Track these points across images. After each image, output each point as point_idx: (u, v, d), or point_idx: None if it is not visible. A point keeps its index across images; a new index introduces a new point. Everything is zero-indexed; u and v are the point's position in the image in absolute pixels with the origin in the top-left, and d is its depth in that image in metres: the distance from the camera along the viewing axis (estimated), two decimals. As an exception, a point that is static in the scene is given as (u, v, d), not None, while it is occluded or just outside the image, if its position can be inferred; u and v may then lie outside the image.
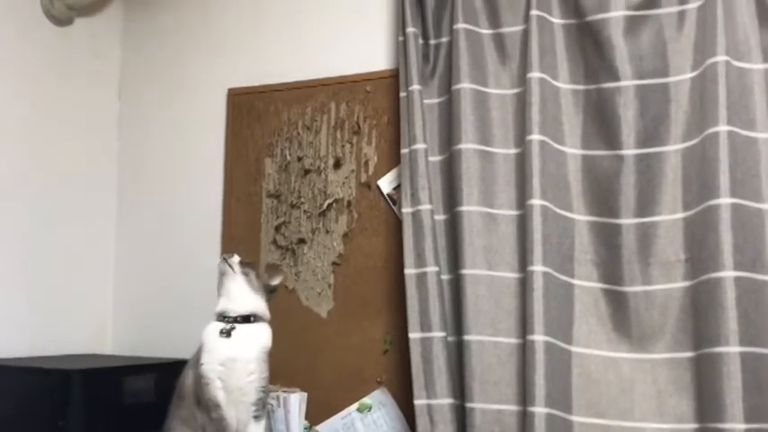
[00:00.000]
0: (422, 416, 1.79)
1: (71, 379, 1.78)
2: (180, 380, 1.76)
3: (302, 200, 2.13)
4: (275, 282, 1.82)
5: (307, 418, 2.00)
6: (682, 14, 1.71)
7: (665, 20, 1.72)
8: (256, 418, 1.69)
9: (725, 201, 1.59)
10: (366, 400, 1.98)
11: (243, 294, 1.73)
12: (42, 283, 2.18)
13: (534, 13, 1.79)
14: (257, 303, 1.75)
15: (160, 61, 2.40)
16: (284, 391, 1.98)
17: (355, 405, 1.99)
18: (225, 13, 2.32)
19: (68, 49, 2.29)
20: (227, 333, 1.68)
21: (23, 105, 2.16)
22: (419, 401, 1.80)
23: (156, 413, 1.81)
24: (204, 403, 1.68)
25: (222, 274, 1.76)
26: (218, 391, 1.66)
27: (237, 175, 2.22)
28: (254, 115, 2.21)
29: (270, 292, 1.79)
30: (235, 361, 1.67)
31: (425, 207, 1.85)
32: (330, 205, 2.09)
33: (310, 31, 2.18)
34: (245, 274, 1.75)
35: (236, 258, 1.77)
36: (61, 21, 2.26)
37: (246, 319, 1.71)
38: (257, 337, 1.71)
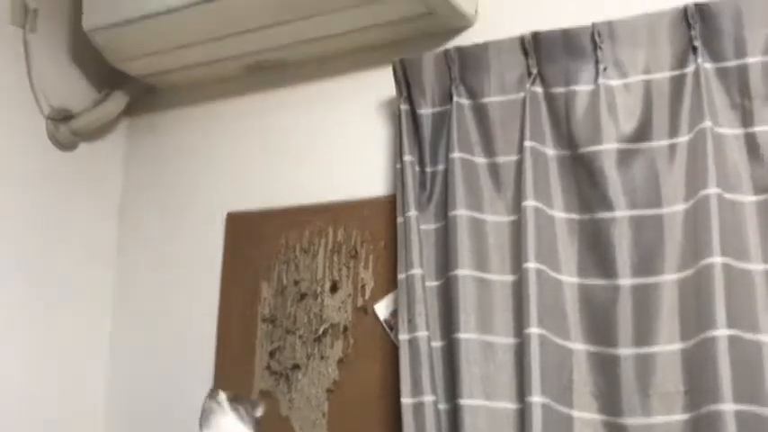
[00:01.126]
0: None
1: None
2: None
3: (297, 325, 2.12)
4: (258, 414, 1.78)
5: None
6: (672, 147, 1.75)
7: (656, 152, 1.76)
8: None
9: (722, 332, 1.58)
10: None
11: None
12: (34, 405, 2.14)
13: (528, 144, 1.83)
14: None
15: (160, 185, 2.44)
16: None
17: None
18: (225, 138, 2.37)
19: (71, 174, 2.33)
20: None
21: (23, 226, 2.18)
22: None
23: None
24: None
25: (209, 413, 1.72)
26: None
27: (233, 299, 2.22)
28: (253, 239, 2.23)
29: (256, 425, 1.75)
30: None
31: (422, 334, 1.84)
32: (326, 330, 2.08)
33: (310, 157, 2.23)
34: (236, 410, 1.72)
35: (222, 396, 1.74)
36: (65, 146, 2.31)
37: None
38: None
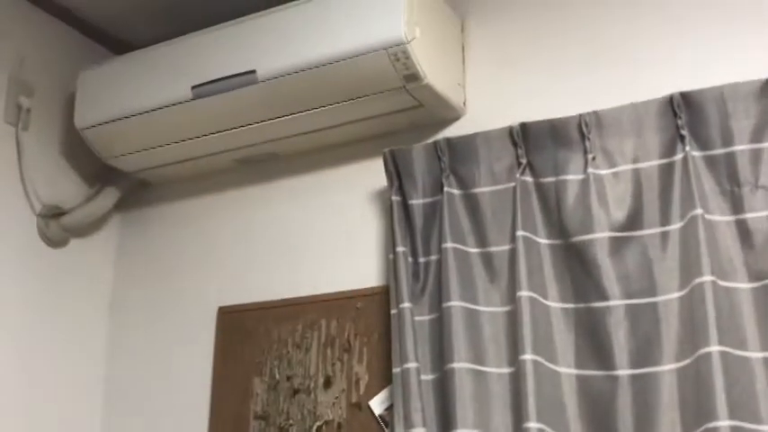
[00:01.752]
0: None
1: None
2: None
3: (291, 422, 2.07)
4: None
5: None
6: (665, 235, 1.75)
7: (648, 240, 1.76)
8: None
9: (723, 423, 1.55)
10: None
11: None
12: None
13: (520, 233, 1.83)
14: None
15: (151, 279, 2.42)
16: None
17: None
18: (217, 231, 2.37)
19: (62, 270, 2.31)
20: None
21: (14, 324, 2.15)
22: None
23: None
24: None
25: None
26: None
27: (225, 396, 2.17)
28: (244, 333, 2.20)
29: None
30: None
31: (419, 430, 1.80)
32: (320, 428, 2.03)
33: (302, 249, 2.22)
34: None
35: None
36: (56, 242, 2.30)
37: None
38: None
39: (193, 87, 2.08)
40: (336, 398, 2.04)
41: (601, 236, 1.77)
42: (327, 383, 2.06)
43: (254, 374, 2.15)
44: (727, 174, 1.72)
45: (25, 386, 2.15)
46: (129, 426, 2.31)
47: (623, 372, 1.70)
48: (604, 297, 1.74)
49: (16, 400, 2.12)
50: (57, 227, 2.29)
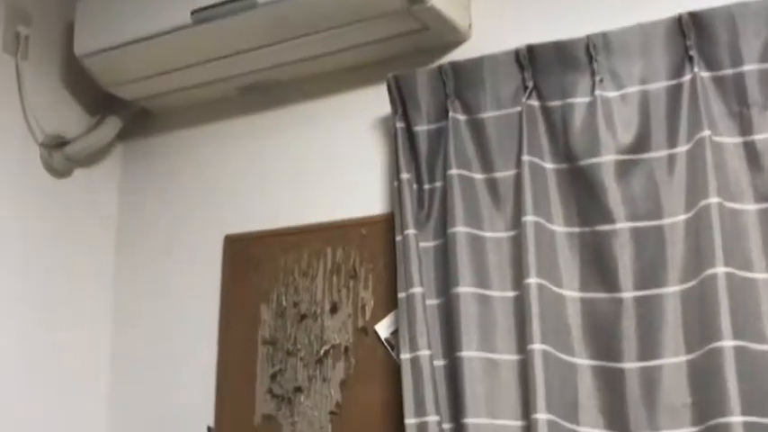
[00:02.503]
0: None
1: None
2: None
3: (298, 346, 2.09)
4: None
5: None
6: (671, 158, 1.73)
7: (655, 163, 1.74)
8: None
9: (727, 343, 1.56)
10: None
11: None
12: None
13: (526, 158, 1.81)
14: None
15: (157, 209, 2.43)
16: None
17: None
18: (221, 160, 2.36)
19: (66, 200, 2.31)
20: None
21: (18, 255, 2.16)
22: None
23: None
24: None
25: None
26: None
27: (233, 323, 2.20)
28: (251, 261, 2.21)
29: None
30: None
31: (424, 353, 1.82)
32: (327, 352, 2.05)
33: (306, 177, 2.21)
34: None
35: None
36: (60, 172, 2.30)
37: None
38: None
39: (193, 12, 2.04)
40: (343, 323, 2.06)
41: (607, 159, 1.75)
42: (334, 309, 2.08)
43: (262, 301, 2.17)
44: (736, 95, 1.69)
45: (31, 316, 2.17)
46: (138, 353, 2.35)
47: (628, 294, 1.70)
48: (610, 220, 1.74)
49: (22, 332, 2.14)
50: (60, 157, 2.28)
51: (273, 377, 2.10)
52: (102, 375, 2.36)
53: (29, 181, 2.22)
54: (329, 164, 2.19)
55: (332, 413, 2.01)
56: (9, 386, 2.10)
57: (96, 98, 2.37)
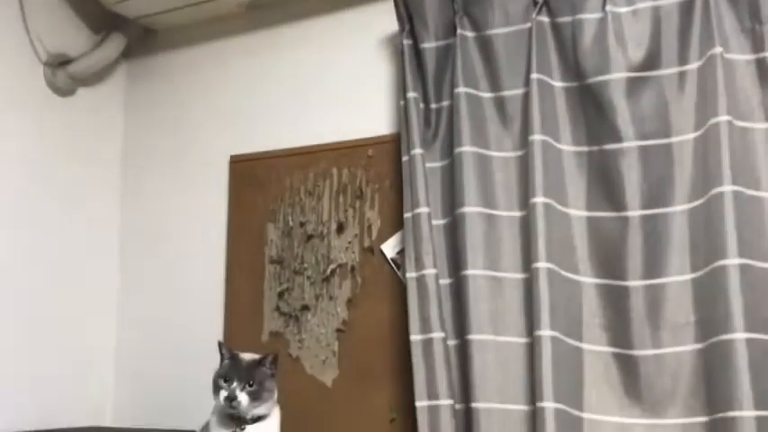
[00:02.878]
0: (430, 487, 1.75)
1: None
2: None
3: (305, 266, 2.11)
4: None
5: (313, 489, 1.96)
6: (682, 75, 1.71)
7: (665, 81, 1.72)
8: None
9: (733, 261, 1.57)
10: (373, 470, 1.93)
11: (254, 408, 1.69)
12: (42, 355, 2.15)
13: (535, 76, 1.79)
14: (269, 405, 1.70)
15: (162, 130, 2.42)
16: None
17: (362, 476, 1.94)
18: (225, 79, 2.34)
19: (71, 120, 2.30)
20: None
21: (24, 175, 2.16)
22: (427, 472, 1.75)
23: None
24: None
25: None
26: None
27: (240, 242, 2.21)
28: (257, 182, 2.21)
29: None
30: None
31: (430, 271, 1.83)
32: (333, 271, 2.07)
33: (311, 97, 2.20)
34: (254, 398, 1.67)
35: (243, 397, 1.66)
36: (64, 91, 2.28)
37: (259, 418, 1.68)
38: None
39: (196, -75, 2.00)
40: (349, 242, 2.07)
41: (617, 76, 1.73)
42: (340, 229, 2.08)
43: (268, 221, 2.18)
44: (749, 11, 1.67)
45: (39, 237, 2.18)
46: (147, 277, 2.36)
47: (634, 213, 1.71)
48: (618, 139, 1.73)
49: (29, 252, 2.15)
50: (64, 75, 2.26)
51: (281, 295, 2.12)
52: (110, 290, 2.38)
53: (34, 99, 2.21)
54: (335, 83, 2.16)
55: (338, 331, 2.04)
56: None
57: (100, 16, 2.34)
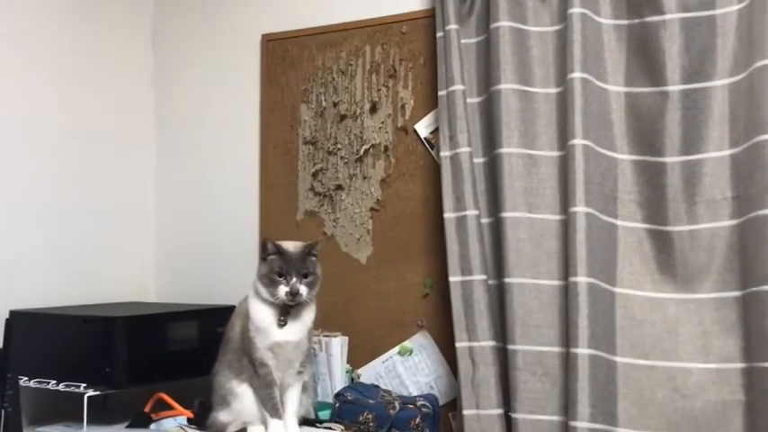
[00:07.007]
0: (463, 358, 1.79)
1: (116, 326, 1.80)
2: (228, 327, 1.79)
3: (339, 146, 2.11)
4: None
5: (348, 362, 2.02)
6: (729, -57, 1.64)
7: (710, -50, 1.66)
8: (299, 373, 1.73)
9: (773, 136, 1.54)
10: (407, 343, 1.98)
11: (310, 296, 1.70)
12: (85, 233, 2.20)
13: (574, -54, 1.73)
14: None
15: (193, 9, 2.38)
16: (326, 336, 2.00)
17: (396, 349, 1.99)
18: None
19: (100, 3, 2.27)
20: (282, 323, 1.68)
21: (56, 58, 2.15)
22: (461, 344, 1.80)
23: (200, 359, 1.84)
24: (251, 360, 1.69)
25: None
26: (267, 358, 1.68)
27: (273, 123, 2.21)
28: (289, 61, 2.19)
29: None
30: (286, 343, 1.69)
31: (464, 150, 1.83)
32: (367, 151, 2.07)
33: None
34: (311, 287, 1.68)
35: (303, 289, 1.65)
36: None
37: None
38: (307, 321, 1.71)
39: None
40: (383, 122, 2.06)
41: (661, -55, 1.67)
42: (373, 109, 2.07)
43: (301, 101, 2.17)
44: None
45: (72, 124, 2.19)
46: (183, 158, 2.38)
47: (674, 87, 1.67)
48: (660, 11, 1.68)
49: (62, 135, 2.16)
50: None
51: (315, 175, 2.13)
52: (147, 171, 2.41)
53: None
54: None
55: (372, 209, 2.06)
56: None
57: None
